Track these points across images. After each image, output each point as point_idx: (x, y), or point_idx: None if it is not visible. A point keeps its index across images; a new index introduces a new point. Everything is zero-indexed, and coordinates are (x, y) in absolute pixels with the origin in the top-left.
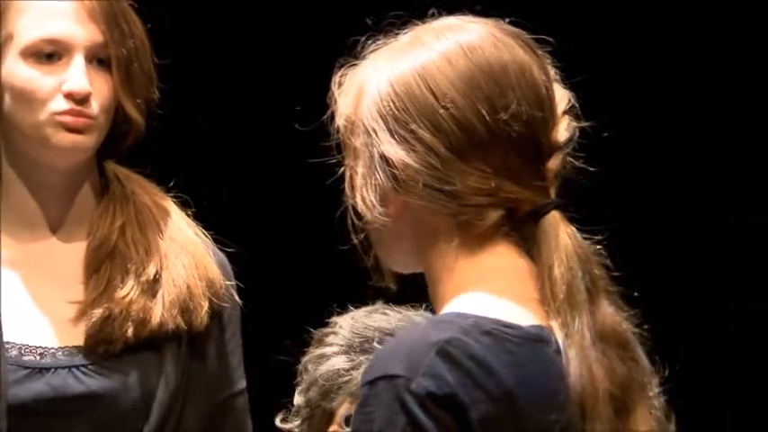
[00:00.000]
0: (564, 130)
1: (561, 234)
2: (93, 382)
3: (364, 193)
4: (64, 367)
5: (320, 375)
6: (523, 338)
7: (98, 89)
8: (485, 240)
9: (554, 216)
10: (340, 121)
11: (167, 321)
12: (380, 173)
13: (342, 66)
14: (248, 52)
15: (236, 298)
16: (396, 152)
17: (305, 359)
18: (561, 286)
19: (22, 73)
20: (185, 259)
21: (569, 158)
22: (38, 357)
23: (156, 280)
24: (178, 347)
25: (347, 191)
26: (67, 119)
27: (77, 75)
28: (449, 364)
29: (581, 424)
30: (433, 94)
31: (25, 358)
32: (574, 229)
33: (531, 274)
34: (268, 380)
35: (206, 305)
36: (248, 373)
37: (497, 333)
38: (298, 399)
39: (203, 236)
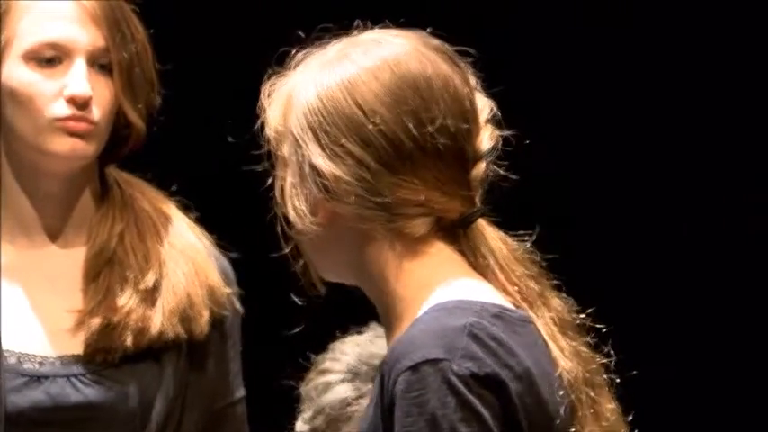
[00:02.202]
0: (487, 138)
1: (492, 240)
2: (91, 392)
3: (295, 203)
4: (62, 376)
5: (327, 404)
6: (522, 320)
7: (99, 94)
8: (426, 243)
9: (481, 223)
10: (269, 131)
11: (167, 330)
12: (311, 183)
13: (271, 76)
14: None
15: (238, 305)
16: (326, 164)
17: (307, 386)
18: (512, 288)
19: (22, 77)
20: (186, 266)
21: (492, 165)
22: (37, 365)
23: (155, 288)
24: (178, 356)
25: (277, 199)
26: (68, 124)
27: (79, 79)
28: (479, 344)
29: (573, 407)
30: (361, 109)
31: (24, 366)
32: (502, 233)
33: (475, 271)
34: (267, 390)
35: (206, 314)
36: (247, 381)
37: (503, 315)
38: (302, 426)
39: (206, 240)
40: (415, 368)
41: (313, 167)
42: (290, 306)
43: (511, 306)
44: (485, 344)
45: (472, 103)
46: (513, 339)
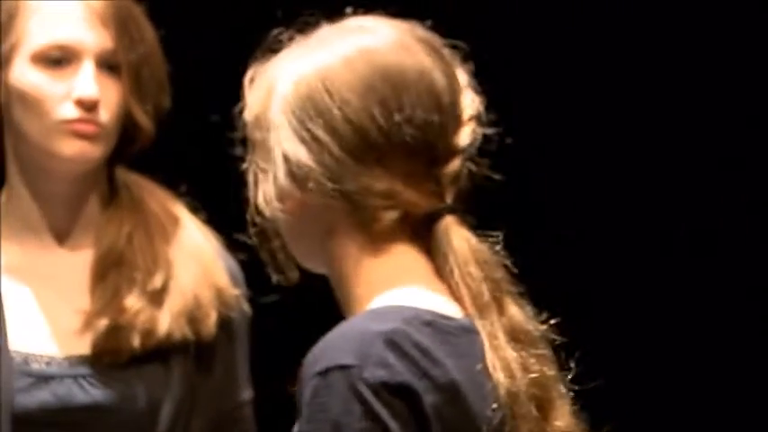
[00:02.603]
0: (466, 135)
1: (456, 238)
2: (98, 393)
3: (265, 189)
4: (70, 376)
5: None
6: (460, 329)
7: (107, 96)
8: (388, 239)
9: (448, 220)
10: (248, 116)
11: (174, 331)
12: (280, 169)
13: (255, 61)
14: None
15: (246, 306)
16: (294, 150)
17: None
18: (464, 290)
19: (30, 78)
20: (194, 267)
21: (471, 163)
22: (44, 366)
23: (163, 289)
24: (185, 358)
25: (250, 186)
26: (76, 126)
27: (87, 81)
28: (397, 353)
29: (508, 422)
30: (330, 95)
31: (31, 366)
32: (469, 233)
33: (436, 274)
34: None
35: (214, 315)
36: (254, 383)
37: (436, 324)
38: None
39: (214, 241)
40: (323, 373)
41: (282, 153)
42: (297, 308)
43: (453, 314)
44: (404, 352)
45: (453, 97)
46: (441, 348)
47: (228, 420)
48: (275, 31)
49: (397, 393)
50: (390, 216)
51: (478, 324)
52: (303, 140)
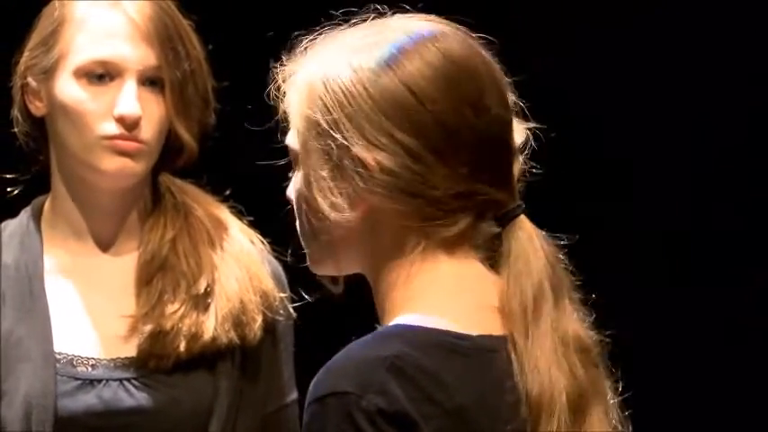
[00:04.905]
0: (519, 132)
1: (534, 238)
2: (143, 397)
3: (330, 197)
4: (115, 380)
5: None
6: (474, 349)
7: (149, 112)
8: (447, 246)
9: (523, 220)
10: (296, 121)
11: (220, 336)
12: (351, 174)
13: (280, 64)
14: None
15: (291, 310)
16: (371, 154)
17: None
18: (529, 292)
19: (73, 93)
20: (239, 272)
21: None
22: (89, 369)
23: (208, 294)
24: (231, 362)
25: (302, 192)
26: (117, 143)
27: (129, 99)
28: (399, 379)
29: (538, 426)
30: (413, 93)
31: (77, 369)
32: (544, 233)
33: (491, 280)
34: None
35: (259, 319)
36: (299, 385)
37: (447, 345)
38: None
39: (259, 245)
40: (321, 399)
41: (354, 158)
42: (341, 310)
43: (468, 332)
44: (408, 377)
45: (508, 92)
46: (450, 371)
47: (274, 422)
48: (298, 33)
49: (393, 421)
50: (465, 220)
51: (526, 327)
52: (381, 143)
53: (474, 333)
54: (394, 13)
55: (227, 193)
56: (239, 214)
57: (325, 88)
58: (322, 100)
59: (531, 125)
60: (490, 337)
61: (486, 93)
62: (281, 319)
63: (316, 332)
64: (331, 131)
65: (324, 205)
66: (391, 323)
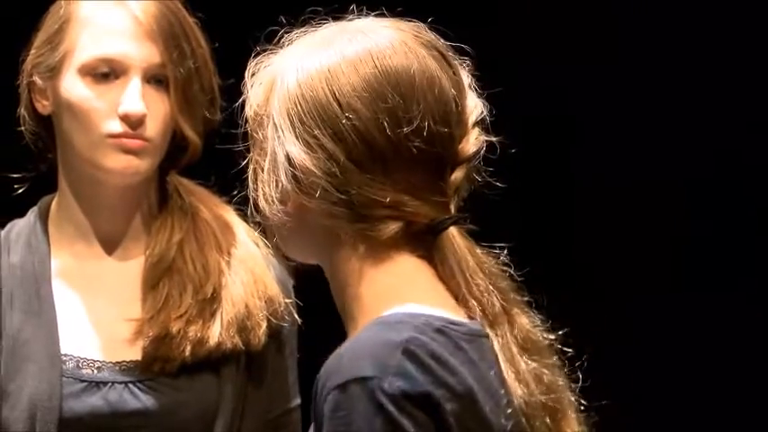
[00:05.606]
0: (472, 142)
1: (461, 250)
2: (148, 399)
3: (265, 188)
4: (121, 382)
5: None
6: (470, 335)
7: (154, 110)
8: (391, 249)
9: (452, 232)
10: (250, 111)
11: (225, 341)
12: (282, 171)
13: (258, 54)
14: None
15: (296, 316)
16: (299, 154)
17: None
18: (473, 302)
19: (78, 91)
20: (244, 276)
21: (475, 172)
22: (95, 371)
23: (213, 298)
24: (236, 366)
25: (250, 183)
26: (122, 141)
27: (133, 97)
28: (415, 363)
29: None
30: (338, 101)
31: (83, 371)
32: (473, 243)
33: (442, 284)
34: None
35: (264, 324)
36: (302, 390)
37: (448, 330)
38: None
39: (264, 249)
40: (343, 386)
41: (286, 156)
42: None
43: (461, 319)
44: (421, 361)
45: (459, 105)
46: (455, 356)
47: (277, 426)
48: (277, 27)
49: (418, 403)
50: (393, 227)
51: (491, 334)
52: (308, 146)
53: (464, 320)
54: (359, 15)
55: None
56: (245, 216)
57: (278, 85)
58: (272, 95)
59: (493, 138)
60: (476, 322)
61: (413, 107)
62: (285, 324)
63: (318, 337)
64: (275, 127)
65: (260, 196)
66: (388, 312)
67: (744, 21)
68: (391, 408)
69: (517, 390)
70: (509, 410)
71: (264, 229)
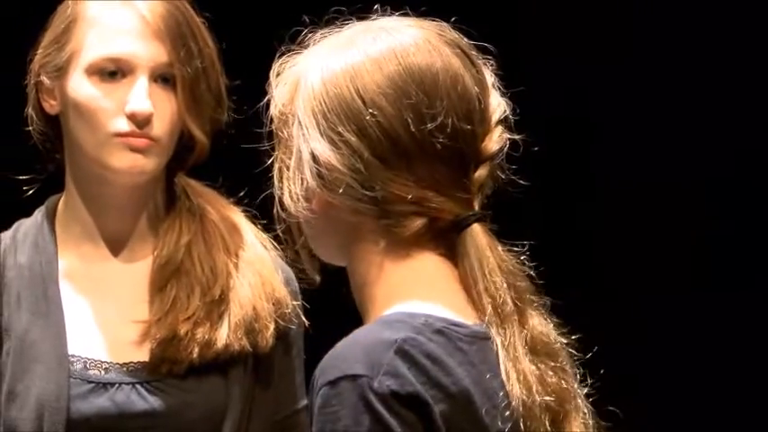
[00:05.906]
0: (495, 140)
1: (482, 247)
2: (156, 401)
3: (291, 186)
4: (128, 383)
5: None
6: (472, 337)
7: (161, 109)
8: (413, 246)
9: (475, 229)
10: (275, 111)
11: (233, 344)
12: (307, 169)
13: (283, 54)
14: None
15: (303, 318)
16: (323, 151)
17: None
18: (486, 299)
19: (85, 90)
20: (252, 278)
21: (498, 170)
22: (102, 372)
23: (221, 300)
24: (244, 368)
25: (275, 181)
26: (129, 140)
27: (140, 96)
28: (408, 362)
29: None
30: (362, 98)
31: (90, 372)
32: (495, 241)
33: (459, 282)
34: None
35: (272, 326)
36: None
37: (448, 331)
38: None
39: (272, 251)
40: (334, 383)
41: (311, 153)
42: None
43: (465, 321)
44: (414, 361)
45: (482, 102)
46: (453, 357)
47: (285, 427)
48: (301, 28)
49: (407, 403)
50: (417, 222)
51: (496, 333)
52: (333, 143)
53: (469, 321)
54: (383, 15)
55: (242, 195)
56: (253, 218)
57: (303, 84)
58: (297, 94)
59: (517, 137)
60: (481, 324)
61: (437, 104)
62: (292, 326)
63: (324, 339)
64: (300, 126)
65: (285, 194)
66: (389, 311)
67: (763, 20)
68: (379, 407)
69: (516, 390)
70: (507, 413)
71: (290, 228)
